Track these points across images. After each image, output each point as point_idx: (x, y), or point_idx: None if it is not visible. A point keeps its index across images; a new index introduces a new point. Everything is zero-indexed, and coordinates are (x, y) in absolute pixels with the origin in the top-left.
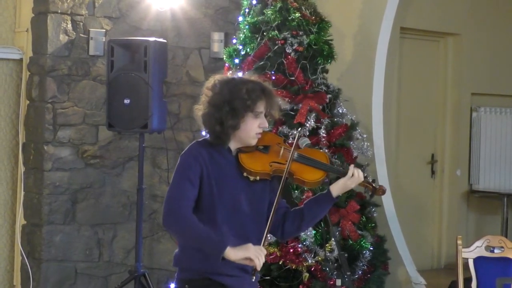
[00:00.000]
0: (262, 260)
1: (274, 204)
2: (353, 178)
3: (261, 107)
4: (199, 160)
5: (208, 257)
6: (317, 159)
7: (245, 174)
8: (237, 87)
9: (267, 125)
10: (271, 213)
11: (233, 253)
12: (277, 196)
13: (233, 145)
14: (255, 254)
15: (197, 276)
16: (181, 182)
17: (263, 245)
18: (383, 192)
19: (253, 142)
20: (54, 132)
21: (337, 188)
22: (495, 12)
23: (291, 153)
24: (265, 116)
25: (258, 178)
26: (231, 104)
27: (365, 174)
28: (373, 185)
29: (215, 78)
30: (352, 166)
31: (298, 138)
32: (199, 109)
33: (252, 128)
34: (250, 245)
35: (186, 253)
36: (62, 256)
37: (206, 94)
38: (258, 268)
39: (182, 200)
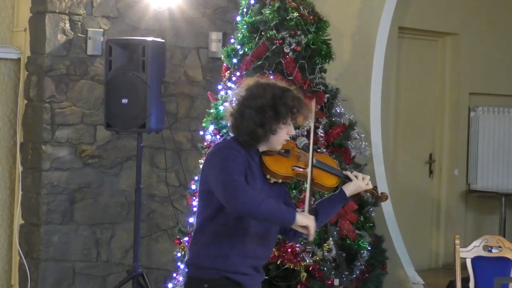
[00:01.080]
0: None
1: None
2: (361, 179)
3: (299, 115)
4: (241, 155)
5: (231, 252)
6: (331, 164)
7: (268, 176)
8: (279, 93)
9: (294, 132)
10: (309, 184)
11: (300, 219)
12: (309, 172)
13: (261, 148)
14: (314, 226)
15: (216, 275)
16: (235, 172)
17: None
18: (386, 198)
19: (279, 147)
20: (52, 132)
21: (350, 189)
22: (493, 12)
23: (310, 159)
24: None
25: (280, 181)
26: (275, 109)
27: None
28: (377, 191)
29: (252, 80)
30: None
31: (313, 146)
32: (229, 109)
33: (284, 134)
34: (312, 217)
35: (206, 252)
36: (60, 256)
37: (242, 95)
38: (311, 239)
39: (242, 184)
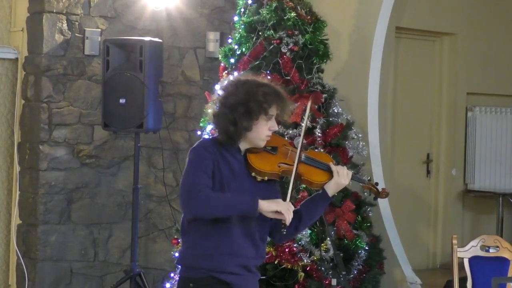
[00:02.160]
0: (291, 215)
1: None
2: (341, 175)
3: (274, 110)
4: (211, 155)
5: (216, 251)
6: (323, 161)
7: (253, 174)
8: (253, 89)
9: (276, 127)
10: (292, 179)
11: (266, 205)
12: (292, 178)
13: (242, 146)
14: (285, 208)
15: (202, 274)
16: (196, 173)
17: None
18: (387, 194)
19: (262, 144)
20: (49, 132)
21: (331, 187)
22: (490, 12)
23: (297, 154)
24: (275, 118)
25: (266, 178)
26: (246, 106)
27: (369, 177)
28: (377, 188)
29: (230, 79)
30: (334, 166)
31: (302, 142)
32: (210, 108)
33: (263, 130)
34: (280, 200)
35: (192, 252)
36: (58, 256)
37: (220, 94)
38: (288, 223)
39: (198, 185)
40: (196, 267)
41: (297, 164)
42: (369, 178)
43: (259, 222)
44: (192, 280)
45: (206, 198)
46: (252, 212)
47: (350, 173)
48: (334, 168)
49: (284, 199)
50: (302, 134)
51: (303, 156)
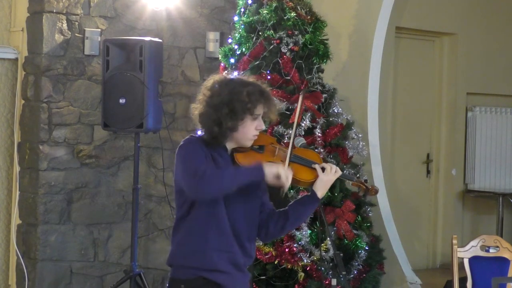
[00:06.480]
0: (289, 182)
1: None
2: (327, 172)
3: (260, 110)
4: (203, 150)
5: (204, 250)
6: (311, 159)
7: None
8: (237, 89)
9: (263, 127)
10: (293, 130)
11: (268, 169)
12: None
13: (228, 145)
14: (285, 174)
15: (192, 275)
16: (195, 160)
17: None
18: (376, 192)
19: (249, 143)
20: (49, 132)
21: (319, 187)
22: (490, 12)
23: (288, 153)
24: (262, 117)
25: None
26: (230, 106)
27: (358, 175)
28: (366, 185)
29: (214, 78)
30: (318, 164)
31: (294, 138)
32: (196, 108)
33: (250, 130)
34: (281, 165)
35: (181, 250)
36: (58, 256)
37: (205, 93)
38: (286, 188)
39: (201, 167)
40: (186, 266)
41: (288, 163)
42: (357, 175)
43: (246, 222)
44: (183, 281)
45: (213, 176)
46: (261, 176)
47: (338, 170)
48: (318, 166)
49: (280, 198)
50: (293, 132)
51: (291, 155)
